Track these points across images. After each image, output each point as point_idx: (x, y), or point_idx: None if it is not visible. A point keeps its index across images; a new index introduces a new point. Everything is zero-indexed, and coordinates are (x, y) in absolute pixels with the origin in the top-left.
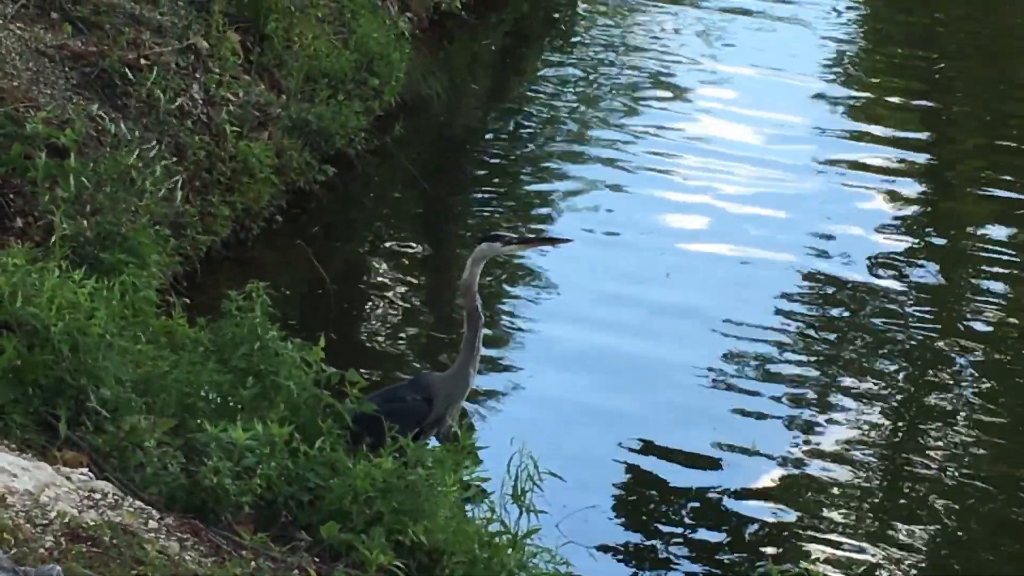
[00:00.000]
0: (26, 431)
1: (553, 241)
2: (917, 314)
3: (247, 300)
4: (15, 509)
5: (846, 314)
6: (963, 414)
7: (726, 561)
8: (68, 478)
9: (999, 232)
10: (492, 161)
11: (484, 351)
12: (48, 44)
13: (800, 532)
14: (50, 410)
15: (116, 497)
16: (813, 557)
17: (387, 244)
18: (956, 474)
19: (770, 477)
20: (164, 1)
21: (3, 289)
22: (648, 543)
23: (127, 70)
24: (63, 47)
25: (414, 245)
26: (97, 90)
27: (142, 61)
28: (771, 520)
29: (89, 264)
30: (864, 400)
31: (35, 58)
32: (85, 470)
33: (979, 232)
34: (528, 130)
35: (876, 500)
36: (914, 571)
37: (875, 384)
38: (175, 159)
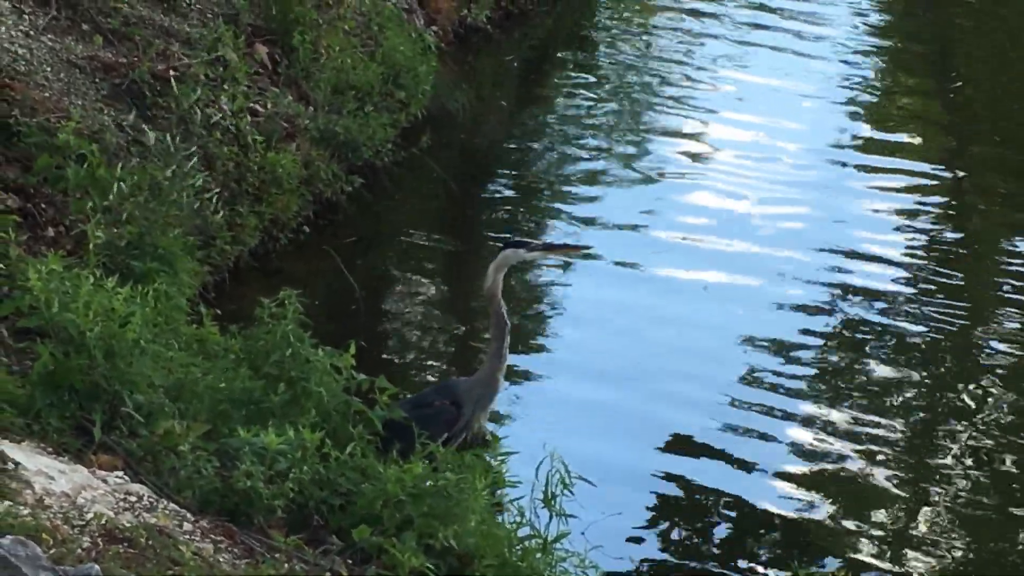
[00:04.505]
0: (62, 435)
1: (576, 248)
2: (939, 324)
3: (279, 308)
4: (53, 510)
5: (868, 327)
6: (988, 416)
7: (754, 567)
8: (104, 481)
9: (1020, 247)
10: (517, 173)
11: (512, 357)
12: (79, 55)
13: (827, 537)
14: (85, 414)
15: (151, 500)
16: (840, 562)
17: (414, 254)
18: (981, 474)
19: (798, 484)
20: (193, 13)
21: (39, 295)
22: (676, 549)
23: (156, 81)
24: (93, 58)
25: (440, 255)
26: (127, 101)
27: (171, 73)
28: (800, 527)
29: (121, 273)
30: (890, 407)
31: (66, 69)
32: (120, 473)
33: (1001, 247)
34: (553, 143)
35: (901, 507)
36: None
37: (899, 393)
38: (204, 169)
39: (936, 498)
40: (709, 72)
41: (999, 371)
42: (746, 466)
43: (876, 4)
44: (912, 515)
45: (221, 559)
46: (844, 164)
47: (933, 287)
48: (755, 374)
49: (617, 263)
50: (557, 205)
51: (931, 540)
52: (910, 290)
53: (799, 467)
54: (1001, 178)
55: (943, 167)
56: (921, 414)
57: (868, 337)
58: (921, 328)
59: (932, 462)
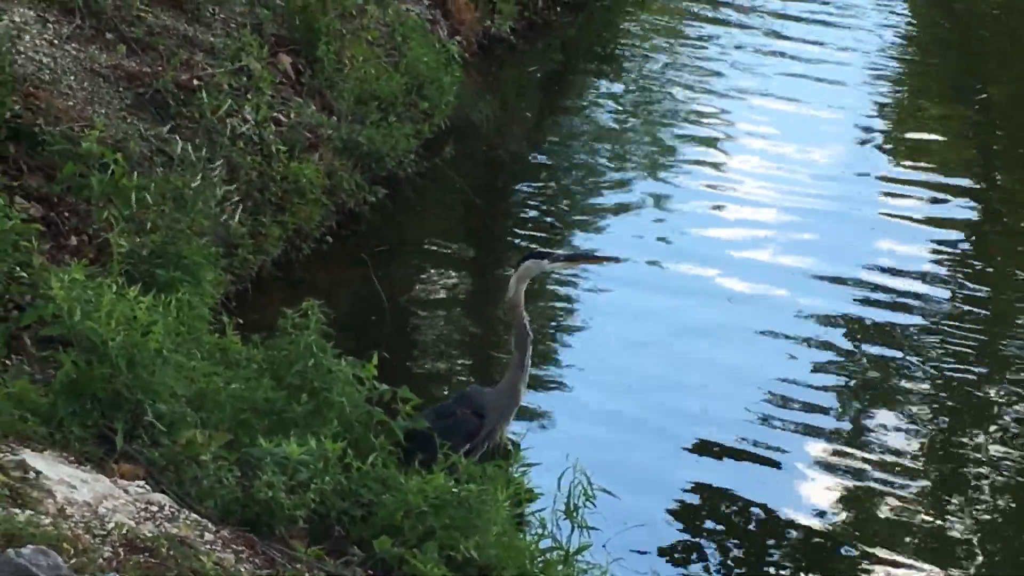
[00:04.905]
0: (84, 444)
1: (598, 259)
2: (965, 344)
3: (302, 318)
4: (74, 520)
5: (892, 350)
6: (1015, 436)
7: None
8: (125, 490)
9: None
10: (539, 184)
11: (534, 369)
12: (103, 64)
13: (852, 556)
14: (107, 423)
15: (172, 509)
16: None
17: (436, 264)
18: (1007, 495)
19: (822, 499)
20: (217, 23)
21: (62, 304)
22: (698, 563)
23: (180, 91)
24: (117, 67)
25: (462, 265)
26: (151, 110)
27: (195, 82)
28: (822, 542)
29: (144, 282)
30: (916, 425)
31: (90, 78)
32: (142, 482)
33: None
34: (575, 154)
35: (926, 522)
36: None
37: (924, 411)
38: (227, 179)
39: (962, 515)
40: (731, 84)
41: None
42: (770, 482)
43: (899, 19)
44: (937, 532)
45: (242, 569)
46: (867, 186)
47: (959, 308)
48: (778, 391)
49: (638, 277)
50: (579, 216)
51: (957, 557)
52: (936, 311)
53: (823, 483)
54: None
55: (967, 187)
56: (947, 431)
57: (891, 360)
58: (946, 348)
59: (958, 480)
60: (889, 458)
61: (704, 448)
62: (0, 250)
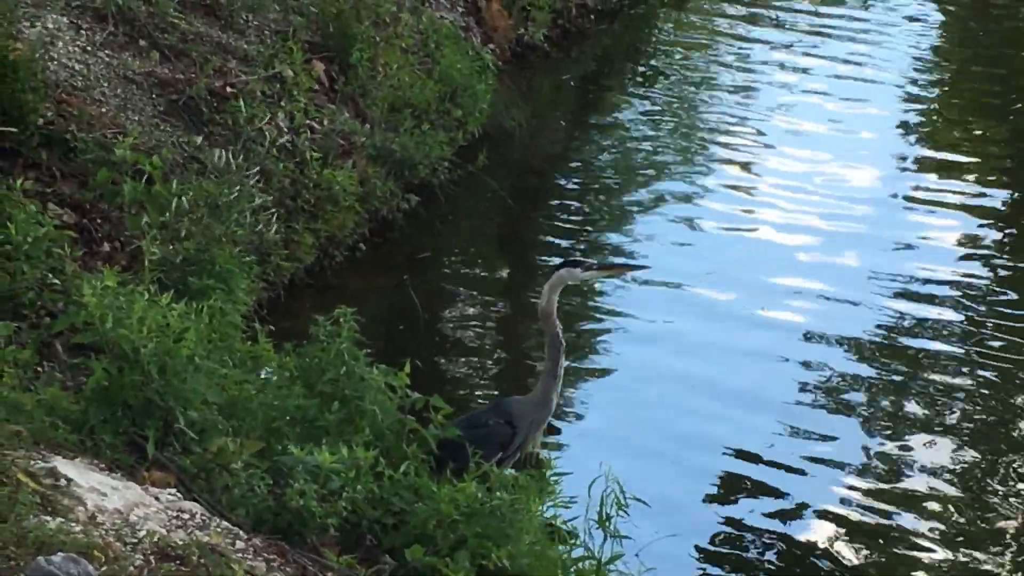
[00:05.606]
0: (115, 451)
1: (631, 268)
2: (996, 362)
3: (334, 325)
4: (105, 527)
5: (922, 366)
6: None
7: None
8: (156, 498)
9: None
10: (573, 192)
11: (566, 378)
12: (136, 71)
13: (878, 565)
14: (139, 431)
15: (204, 517)
16: None
17: (469, 272)
18: None
19: (855, 512)
20: (250, 30)
21: (94, 311)
22: (731, 571)
23: (213, 98)
24: (151, 74)
25: (496, 273)
26: (184, 117)
27: (228, 89)
28: (854, 555)
29: (176, 289)
30: (943, 453)
31: (123, 85)
32: (173, 490)
33: None
34: (609, 162)
35: (954, 556)
36: None
37: (954, 435)
38: (261, 186)
39: (992, 548)
40: (767, 95)
41: None
42: (800, 493)
43: (932, 36)
44: (965, 567)
45: None
46: (898, 207)
47: (989, 335)
48: (804, 415)
49: (664, 297)
50: (613, 225)
51: None
52: (966, 337)
53: (857, 497)
54: None
55: (999, 208)
56: (975, 461)
57: (921, 387)
58: (976, 376)
59: (986, 509)
60: (917, 488)
61: (736, 459)
62: (33, 256)
